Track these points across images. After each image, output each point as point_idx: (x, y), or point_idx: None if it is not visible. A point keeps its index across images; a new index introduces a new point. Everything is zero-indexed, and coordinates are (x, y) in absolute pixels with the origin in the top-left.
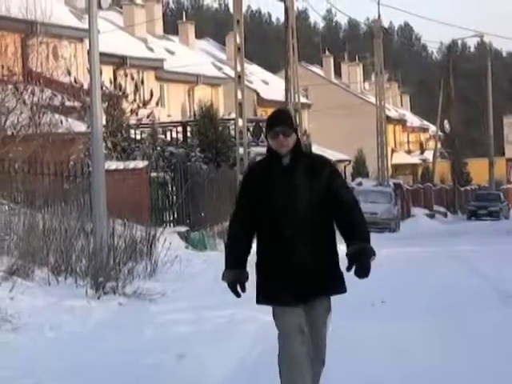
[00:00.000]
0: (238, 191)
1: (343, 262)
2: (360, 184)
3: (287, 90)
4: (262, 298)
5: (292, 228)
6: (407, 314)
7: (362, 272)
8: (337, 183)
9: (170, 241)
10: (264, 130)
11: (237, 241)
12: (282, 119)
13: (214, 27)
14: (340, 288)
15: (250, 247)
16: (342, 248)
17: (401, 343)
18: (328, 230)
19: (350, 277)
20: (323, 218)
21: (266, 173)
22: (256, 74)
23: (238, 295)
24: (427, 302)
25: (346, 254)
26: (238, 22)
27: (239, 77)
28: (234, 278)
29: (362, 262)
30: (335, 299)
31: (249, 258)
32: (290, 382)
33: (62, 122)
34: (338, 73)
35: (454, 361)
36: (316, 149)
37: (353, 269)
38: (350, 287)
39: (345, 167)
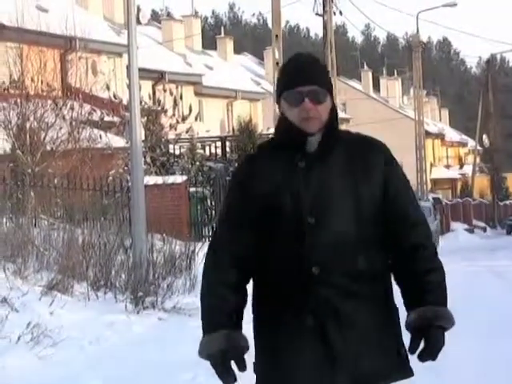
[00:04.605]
0: (224, 198)
1: None
2: None
3: None
4: None
5: (322, 261)
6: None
7: (432, 355)
8: (397, 186)
9: None
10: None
11: (222, 284)
12: (310, 71)
13: (252, 42)
14: (405, 369)
15: (246, 295)
16: None
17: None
18: (382, 267)
19: None
20: (375, 246)
21: (276, 165)
22: None
23: (231, 379)
24: (466, 319)
25: (408, 324)
26: (276, 36)
27: None
28: (223, 346)
29: (432, 340)
30: None
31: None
32: None
33: (101, 137)
34: (376, 87)
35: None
36: None
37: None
38: None
39: None
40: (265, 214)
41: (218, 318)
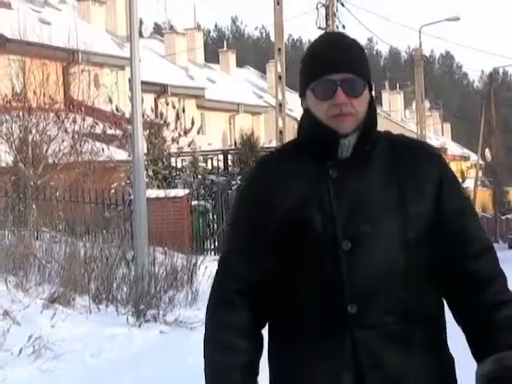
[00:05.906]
0: (231, 217)
1: None
2: None
3: None
4: None
5: (359, 297)
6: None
7: None
8: (456, 204)
9: (210, 269)
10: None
11: (229, 328)
12: (345, 55)
13: (254, 55)
14: None
15: (260, 341)
16: None
17: None
18: (435, 305)
19: None
20: (428, 277)
21: (301, 172)
22: (297, 102)
23: None
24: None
25: (480, 376)
26: (279, 50)
27: (280, 105)
28: None
29: None
30: None
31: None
32: None
33: (103, 150)
34: (378, 101)
35: None
36: None
37: None
38: None
39: None
40: (285, 234)
41: (225, 376)
